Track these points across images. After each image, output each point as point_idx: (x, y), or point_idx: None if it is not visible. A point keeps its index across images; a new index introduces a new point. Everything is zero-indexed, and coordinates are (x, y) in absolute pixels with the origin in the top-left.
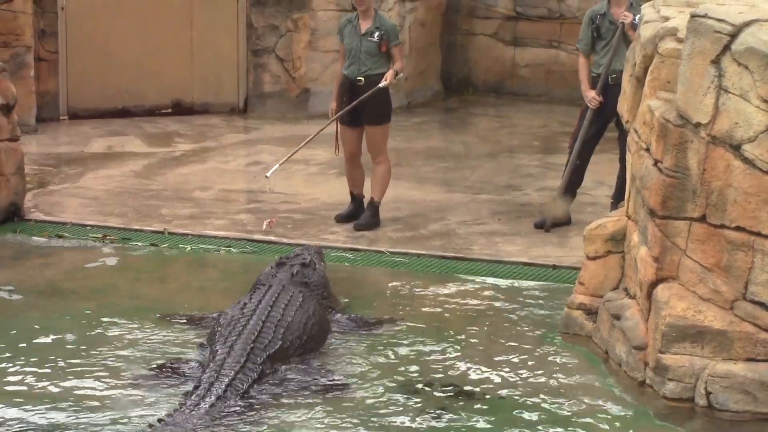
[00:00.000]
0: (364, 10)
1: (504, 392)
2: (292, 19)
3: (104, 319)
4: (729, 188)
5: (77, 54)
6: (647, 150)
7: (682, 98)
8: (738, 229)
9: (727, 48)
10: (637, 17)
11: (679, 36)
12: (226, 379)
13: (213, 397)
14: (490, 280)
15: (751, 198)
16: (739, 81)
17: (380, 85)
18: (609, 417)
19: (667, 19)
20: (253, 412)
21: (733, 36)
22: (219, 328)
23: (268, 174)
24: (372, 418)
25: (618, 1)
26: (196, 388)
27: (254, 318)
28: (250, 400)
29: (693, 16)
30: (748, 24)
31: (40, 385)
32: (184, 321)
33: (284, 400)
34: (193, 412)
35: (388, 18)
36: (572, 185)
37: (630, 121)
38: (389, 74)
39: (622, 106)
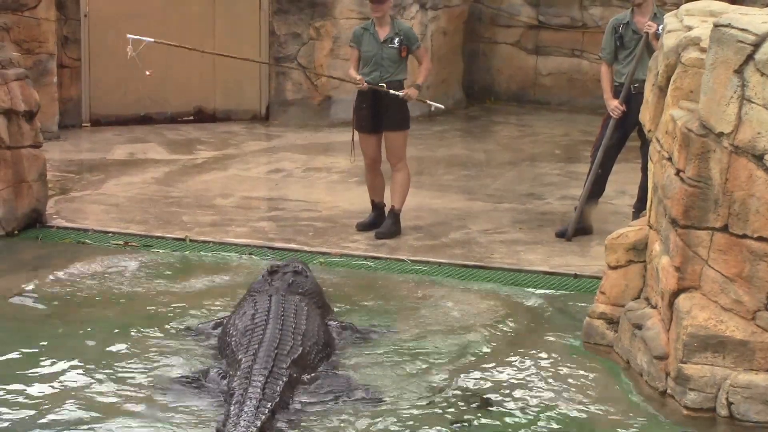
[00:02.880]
0: (381, 17)
1: (525, 401)
2: (315, 27)
3: (125, 327)
4: (751, 198)
5: (100, 61)
6: (669, 159)
7: (704, 108)
8: (760, 239)
9: (750, 58)
10: (660, 27)
11: (702, 45)
12: (260, 384)
13: (255, 401)
14: (512, 289)
15: None
16: (762, 91)
17: (400, 95)
18: (630, 426)
19: (690, 28)
20: (288, 419)
21: (757, 46)
22: (232, 339)
23: (130, 35)
24: (397, 428)
25: (642, 11)
26: (231, 396)
27: (270, 326)
28: (286, 407)
29: (716, 25)
30: None
31: (62, 391)
32: (204, 329)
33: (315, 409)
34: (242, 419)
35: (410, 25)
36: (594, 193)
37: (652, 130)
38: (411, 91)
39: (645, 116)
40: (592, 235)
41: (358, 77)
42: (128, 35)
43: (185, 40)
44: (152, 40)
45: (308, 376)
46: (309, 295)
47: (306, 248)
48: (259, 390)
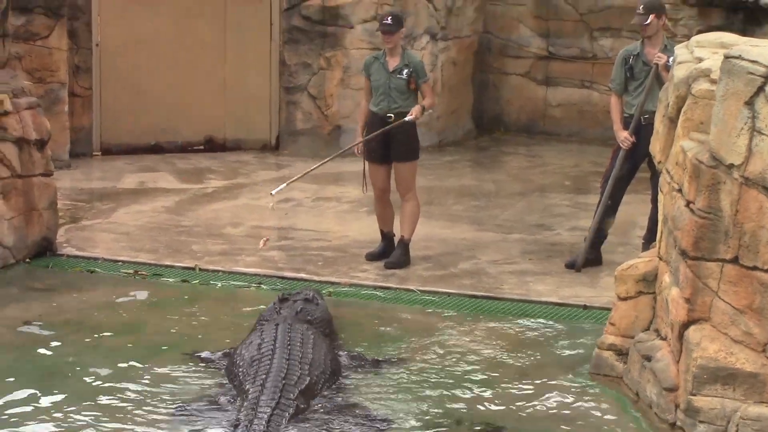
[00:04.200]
0: (392, 48)
1: None
2: (325, 57)
3: (134, 355)
4: (762, 230)
5: (111, 90)
6: (680, 191)
7: (715, 139)
8: None
9: (761, 89)
10: (670, 58)
11: (712, 77)
12: (265, 416)
13: None
14: (521, 320)
15: None
16: None
17: (407, 118)
18: None
19: (700, 60)
20: None
21: (767, 77)
22: (240, 369)
23: (273, 192)
24: None
25: (652, 42)
26: (235, 427)
27: (277, 355)
28: None
29: (727, 57)
30: None
31: (70, 419)
32: (213, 359)
33: None
34: None
35: (419, 56)
36: (605, 223)
37: (662, 161)
38: (416, 109)
39: (655, 147)
40: (601, 266)
41: (357, 141)
42: (271, 192)
43: (197, 68)
44: (285, 185)
45: (315, 405)
46: (317, 323)
47: (315, 278)
48: (264, 423)
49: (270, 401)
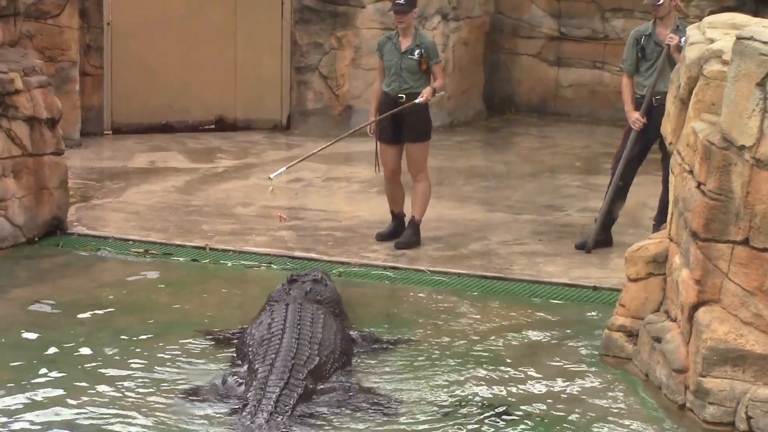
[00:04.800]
0: (404, 28)
1: (543, 413)
2: (336, 36)
3: (144, 334)
4: None
5: (122, 69)
6: (690, 172)
7: (726, 121)
8: None
9: None
10: (682, 39)
11: (724, 58)
12: (274, 396)
13: (266, 414)
14: (531, 300)
15: None
16: None
17: (417, 100)
18: None
19: (712, 41)
20: (301, 428)
21: None
22: (249, 348)
23: (272, 175)
24: None
25: (664, 23)
26: (244, 407)
27: (287, 336)
28: (298, 418)
29: (739, 38)
30: None
31: (81, 397)
32: (223, 337)
33: (328, 419)
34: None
35: (431, 37)
36: (615, 205)
37: (673, 142)
38: (427, 91)
39: (666, 128)
40: (611, 248)
41: (369, 121)
42: (269, 176)
43: (207, 49)
44: (284, 168)
45: (324, 385)
46: (327, 304)
47: (325, 258)
48: (272, 403)
49: (279, 381)
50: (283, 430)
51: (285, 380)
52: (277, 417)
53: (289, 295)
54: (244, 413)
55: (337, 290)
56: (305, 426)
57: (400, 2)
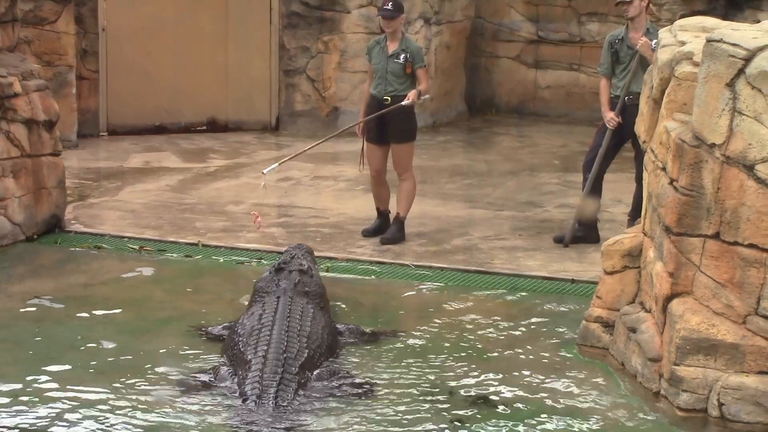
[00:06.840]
0: (392, 33)
1: (522, 402)
2: (323, 41)
3: (140, 328)
4: (742, 207)
5: (117, 73)
6: (663, 169)
7: (697, 120)
8: (751, 246)
9: (741, 72)
10: (654, 42)
11: (695, 60)
12: (272, 391)
13: (272, 401)
14: (511, 293)
15: (763, 216)
16: (752, 103)
17: (403, 102)
18: (624, 427)
19: (683, 43)
20: (288, 417)
21: (747, 60)
22: (240, 339)
23: (265, 171)
24: (393, 427)
25: (635, 27)
26: (243, 401)
27: (276, 329)
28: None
29: (709, 40)
30: (761, 49)
31: (79, 391)
32: (215, 332)
33: (313, 406)
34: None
35: (415, 41)
36: (593, 195)
37: (647, 141)
38: (412, 93)
39: (640, 127)
40: (588, 242)
41: (355, 122)
42: (263, 171)
43: (199, 53)
44: (277, 164)
45: (313, 378)
46: (313, 296)
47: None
48: (272, 399)
49: (274, 376)
50: (287, 419)
51: (280, 375)
52: (283, 402)
53: (279, 287)
54: (247, 402)
55: (320, 275)
56: (290, 415)
57: (388, 8)
